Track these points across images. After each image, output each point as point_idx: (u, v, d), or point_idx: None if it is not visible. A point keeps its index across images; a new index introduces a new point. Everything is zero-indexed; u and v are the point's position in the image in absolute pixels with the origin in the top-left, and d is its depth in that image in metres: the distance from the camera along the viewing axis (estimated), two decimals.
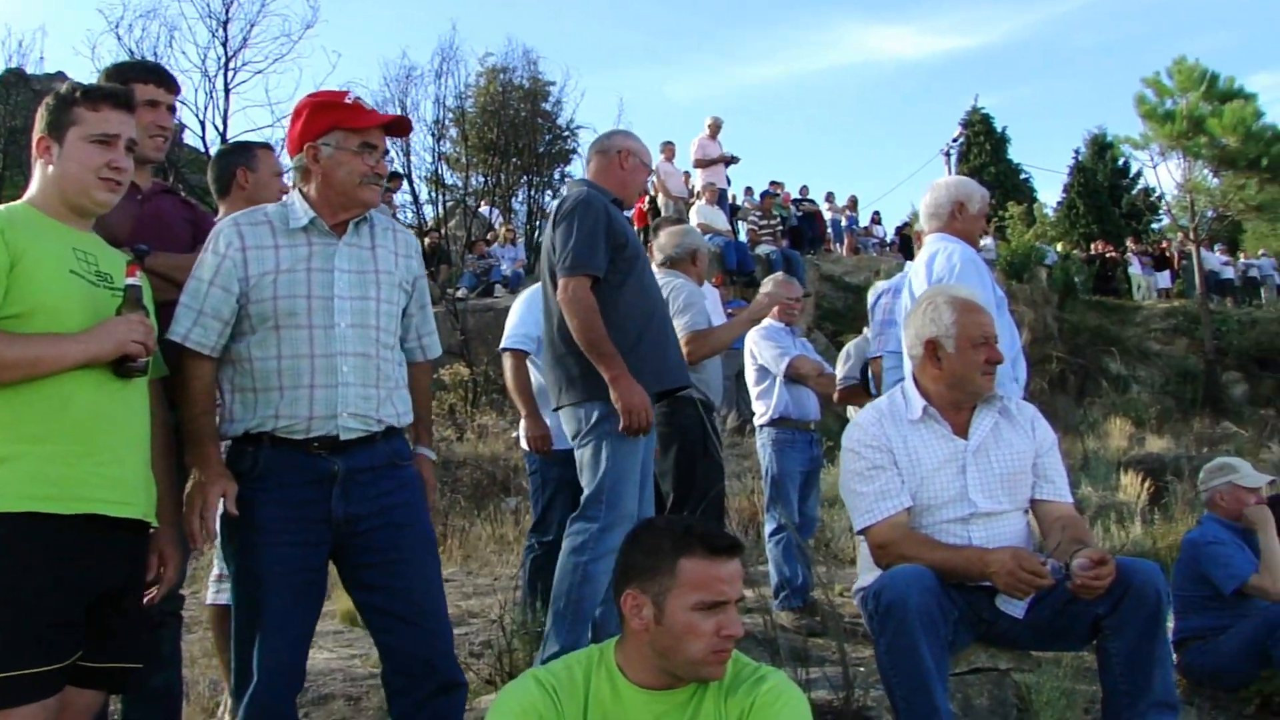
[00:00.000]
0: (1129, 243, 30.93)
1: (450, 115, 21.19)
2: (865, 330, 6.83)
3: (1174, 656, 5.30)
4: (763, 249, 19.11)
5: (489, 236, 19.80)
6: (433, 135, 20.68)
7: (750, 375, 6.83)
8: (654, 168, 20.30)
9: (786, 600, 6.41)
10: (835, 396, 6.62)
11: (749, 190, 22.62)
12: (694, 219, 17.16)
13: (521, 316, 5.79)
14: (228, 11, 17.09)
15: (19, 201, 2.94)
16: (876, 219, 27.75)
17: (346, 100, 3.33)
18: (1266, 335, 24.02)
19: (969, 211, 5.04)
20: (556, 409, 4.48)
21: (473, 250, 18.91)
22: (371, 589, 3.26)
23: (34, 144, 2.94)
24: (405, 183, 19.34)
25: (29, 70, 19.85)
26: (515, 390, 5.71)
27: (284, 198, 3.42)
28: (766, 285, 6.93)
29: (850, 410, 6.55)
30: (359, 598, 3.31)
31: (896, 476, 3.74)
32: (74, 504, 2.71)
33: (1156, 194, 36.11)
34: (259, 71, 16.93)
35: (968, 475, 3.75)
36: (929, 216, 5.08)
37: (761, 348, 6.67)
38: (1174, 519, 9.38)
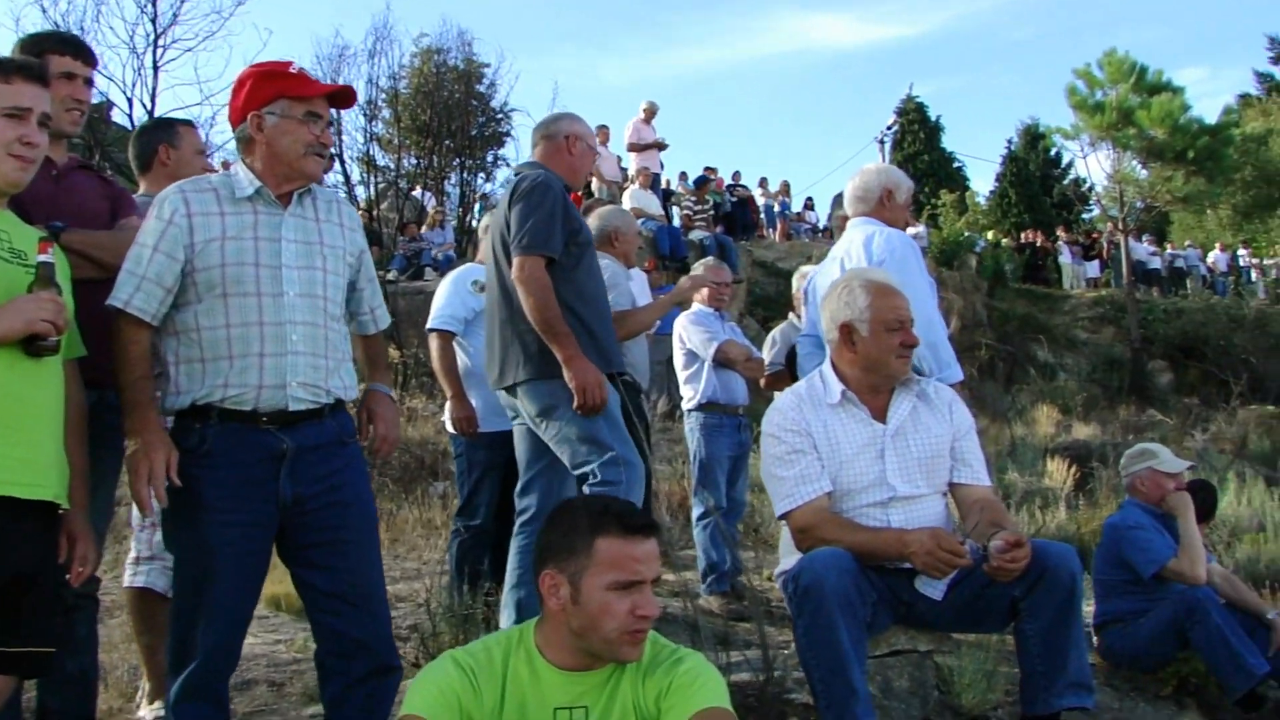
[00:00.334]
0: (1059, 232, 31.33)
1: (383, 96, 20.98)
2: (792, 316, 6.83)
3: (1094, 639, 5.40)
4: (696, 234, 19.13)
5: (421, 219, 19.65)
6: (365, 115, 20.41)
7: (679, 360, 6.81)
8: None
9: (713, 585, 6.41)
10: (763, 382, 6.62)
11: (683, 175, 22.63)
12: (627, 203, 17.13)
13: (448, 298, 5.73)
14: None
15: None
16: (810, 205, 27.88)
17: (291, 70, 3.29)
18: (1191, 325, 24.42)
19: (896, 200, 5.05)
20: (510, 386, 4.43)
21: (404, 233, 18.75)
22: (313, 568, 3.22)
23: None
24: (337, 163, 19.18)
25: None
26: (441, 371, 5.66)
27: (232, 169, 3.36)
28: (696, 269, 6.92)
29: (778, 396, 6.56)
30: (300, 575, 3.27)
31: (816, 461, 3.74)
32: None
33: (1087, 184, 36.64)
34: (189, 49, 16.55)
35: (886, 459, 3.76)
36: (857, 200, 5.08)
37: (690, 332, 6.66)
38: (1098, 505, 9.52)
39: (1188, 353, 23.76)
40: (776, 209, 25.91)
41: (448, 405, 5.64)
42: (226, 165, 5.74)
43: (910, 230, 23.49)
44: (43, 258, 2.83)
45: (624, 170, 20.22)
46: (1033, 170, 43.16)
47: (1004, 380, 20.45)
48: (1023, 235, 31.27)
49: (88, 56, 3.75)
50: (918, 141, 42.24)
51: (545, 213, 4.31)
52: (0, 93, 2.80)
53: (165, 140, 4.34)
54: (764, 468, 3.86)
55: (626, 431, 4.42)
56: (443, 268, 16.88)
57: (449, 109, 21.36)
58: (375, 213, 20.04)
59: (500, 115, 22.42)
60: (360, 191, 20.33)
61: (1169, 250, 31.26)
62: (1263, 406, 18.98)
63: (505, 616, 4.41)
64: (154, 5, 15.41)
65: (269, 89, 3.24)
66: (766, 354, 6.80)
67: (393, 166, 21.63)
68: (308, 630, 5.58)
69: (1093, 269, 29.28)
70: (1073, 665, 3.56)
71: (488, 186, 22.05)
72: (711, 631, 4.75)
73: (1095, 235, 31.67)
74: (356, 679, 3.18)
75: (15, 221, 2.93)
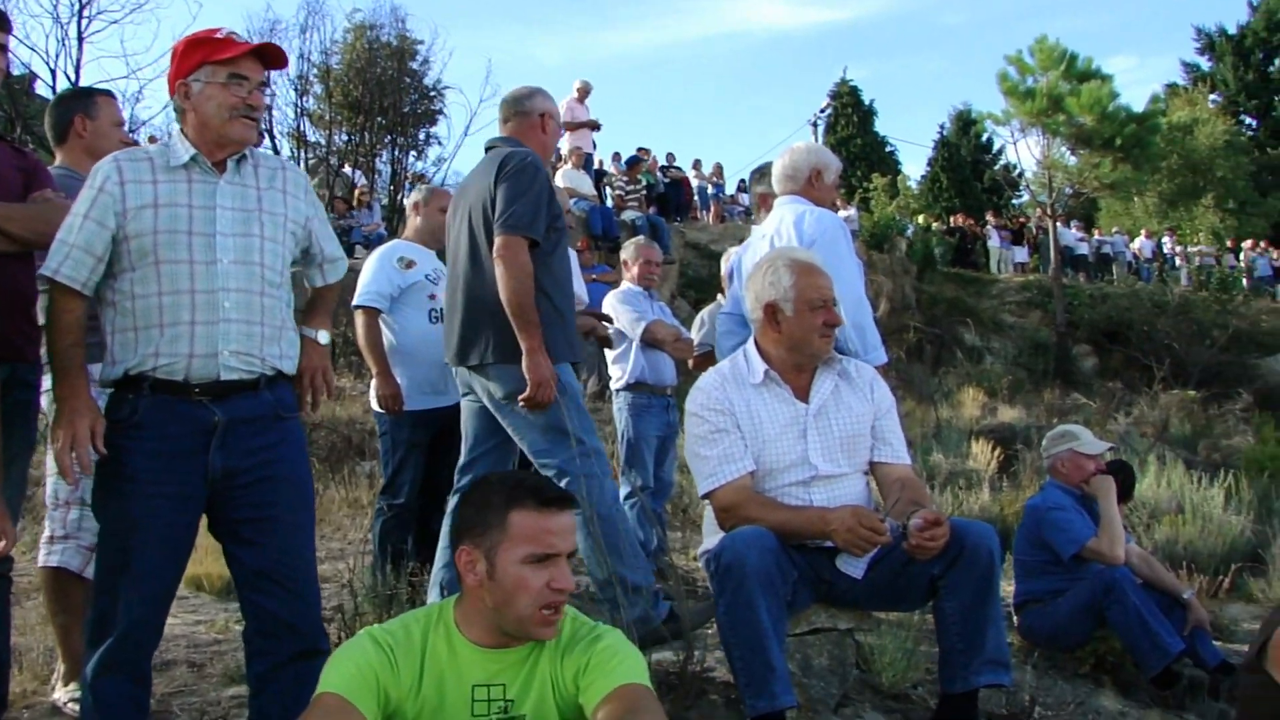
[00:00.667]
0: (988, 217, 31.65)
1: (315, 71, 20.70)
2: (721, 297, 6.83)
3: (1014, 618, 5.47)
4: (628, 215, 19.08)
5: (351, 196, 19.46)
6: (296, 91, 20.16)
7: None
8: None
9: None
10: (691, 363, 6.61)
11: (616, 156, 22.56)
12: (559, 183, 17.06)
13: (374, 274, 5.66)
14: None
15: None
16: (743, 187, 27.92)
17: (218, 35, 3.22)
18: (1116, 310, 24.77)
19: (824, 180, 5.04)
20: (477, 366, 4.37)
21: (333, 210, 18.56)
22: (243, 544, 3.18)
23: None
24: (267, 138, 18.90)
25: None
26: (367, 348, 5.59)
27: (171, 139, 3.29)
28: (627, 249, 6.89)
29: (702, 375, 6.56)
30: (230, 551, 3.23)
31: (739, 440, 3.74)
32: None
33: (1017, 170, 37.01)
34: (114, 21, 16.23)
35: (808, 439, 3.77)
36: (785, 178, 5.06)
37: (618, 312, 6.63)
38: (1021, 486, 9.63)
39: (1112, 338, 24.12)
40: (710, 191, 25.93)
41: (373, 383, 5.58)
42: (153, 140, 5.66)
43: (841, 213, 23.62)
44: None
45: (557, 150, 20.12)
46: (964, 155, 43.63)
47: (931, 363, 20.67)
48: (952, 220, 31.56)
49: (2, 22, 3.65)
50: (851, 125, 42.53)
51: (534, 195, 4.27)
52: None
53: (82, 111, 4.22)
54: (687, 447, 3.86)
55: (590, 419, 4.42)
56: (373, 245, 16.72)
57: (381, 85, 21.12)
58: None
59: (433, 93, 22.22)
60: None
61: (1096, 236, 31.72)
62: (1184, 391, 19.29)
63: (433, 594, 4.38)
64: None
65: (195, 56, 3.19)
66: (695, 334, 6.79)
67: (323, 143, 21.39)
68: (229, 611, 5.55)
69: (1021, 254, 29.63)
70: (990, 643, 3.59)
71: (419, 165, 21.88)
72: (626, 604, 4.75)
73: (1023, 220, 32.04)
74: (282, 660, 3.14)
75: None
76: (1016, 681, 4.59)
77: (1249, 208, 35.06)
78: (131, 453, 3.07)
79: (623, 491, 6.59)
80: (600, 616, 3.61)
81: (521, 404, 4.17)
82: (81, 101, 4.31)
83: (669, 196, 23.18)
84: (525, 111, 4.64)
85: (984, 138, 43.59)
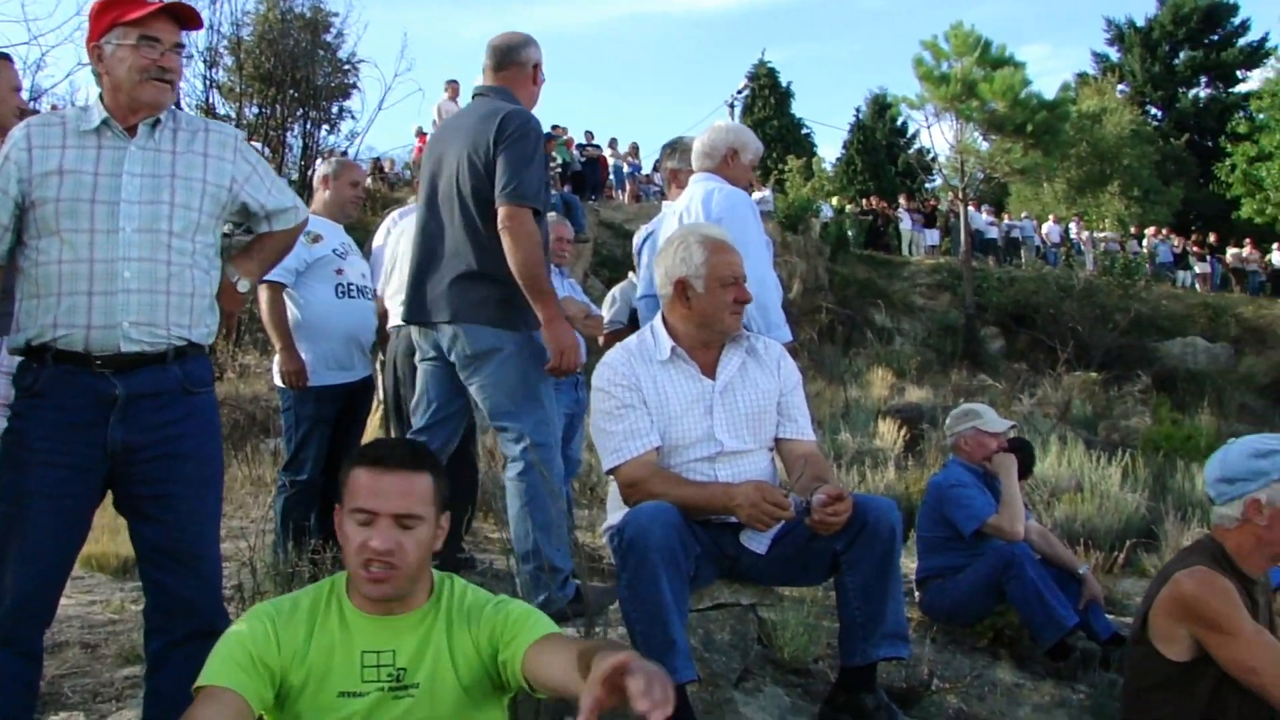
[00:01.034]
0: (901, 200, 32.00)
1: (225, 42, 20.31)
2: (631, 274, 6.83)
3: (916, 594, 5.56)
4: None
5: None
6: (206, 62, 19.75)
7: None
8: (438, 106, 20.15)
9: None
10: (602, 340, 6.61)
11: None
12: None
13: None
14: None
15: None
16: (659, 167, 27.90)
17: None
18: (1024, 293, 25.23)
19: (741, 160, 5.03)
20: (445, 322, 4.31)
21: None
22: (143, 520, 3.13)
23: None
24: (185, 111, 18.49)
25: None
26: (271, 323, 5.51)
27: (90, 103, 3.22)
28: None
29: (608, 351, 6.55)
30: (132, 526, 3.18)
31: (645, 416, 3.73)
32: None
33: (931, 155, 37.45)
34: None
35: (714, 415, 3.77)
36: (702, 155, 5.05)
37: None
38: (927, 465, 9.77)
39: (1019, 320, 24.56)
40: (626, 170, 25.92)
41: (276, 358, 5.51)
42: (54, 109, 5.51)
43: (756, 194, 23.67)
44: None
45: None
46: (879, 139, 44.09)
47: (842, 343, 20.84)
48: (865, 202, 31.86)
49: None
50: (768, 107, 42.76)
51: (538, 163, 4.22)
52: None
53: None
54: (593, 422, 3.84)
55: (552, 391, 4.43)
56: None
57: (293, 58, 20.75)
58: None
59: (347, 66, 21.89)
60: None
61: (1006, 221, 32.22)
62: (1086, 374, 19.71)
63: None
64: None
65: (106, 18, 3.12)
66: (606, 312, 6.78)
67: (233, 116, 21.00)
68: (124, 591, 5.46)
69: (932, 237, 30.03)
70: (890, 617, 3.63)
71: (331, 139, 21.57)
72: (542, 587, 4.75)
73: (935, 204, 32.44)
74: (177, 639, 3.10)
75: None
76: (916, 655, 4.68)
77: (1152, 196, 35.79)
78: (31, 422, 3.02)
79: None
80: (505, 592, 3.61)
81: (549, 372, 4.17)
82: None
83: (585, 175, 23.13)
84: (520, 62, 4.54)
85: (899, 122, 44.08)
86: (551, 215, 7.34)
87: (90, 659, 4.46)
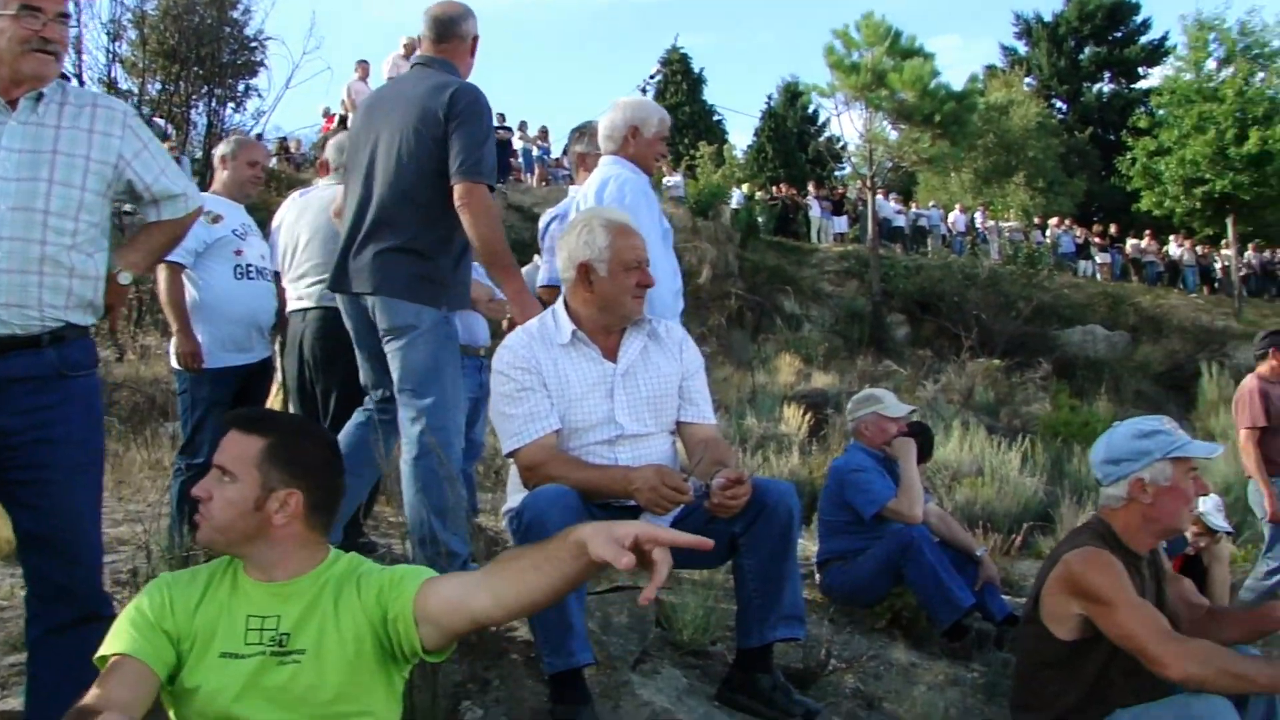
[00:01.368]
0: (810, 187, 32.24)
1: (129, 16, 19.87)
2: (536, 258, 6.80)
3: (816, 576, 5.63)
4: None
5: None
6: (109, 35, 19.34)
7: None
8: (348, 86, 19.90)
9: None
10: (505, 324, 6.58)
11: None
12: None
13: None
14: None
15: None
16: (568, 151, 27.84)
17: None
18: (929, 281, 25.55)
19: (644, 135, 4.96)
20: (363, 294, 4.25)
21: None
22: (19, 506, 3.05)
23: None
24: (76, 84, 18.05)
25: None
26: (168, 304, 5.41)
27: None
28: None
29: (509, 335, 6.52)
30: (9, 512, 3.11)
31: (545, 399, 3.72)
32: None
33: (840, 143, 37.76)
34: None
35: (615, 398, 3.78)
36: (605, 139, 5.00)
37: None
38: (830, 450, 9.88)
39: (925, 307, 24.86)
40: (535, 153, 25.84)
41: (173, 339, 5.42)
42: None
43: (667, 180, 23.62)
44: None
45: None
46: (790, 127, 44.35)
47: (751, 329, 20.98)
48: (775, 189, 32.06)
49: None
50: (680, 92, 42.80)
51: (491, 139, 4.18)
52: None
53: None
54: (492, 405, 3.82)
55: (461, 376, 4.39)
56: None
57: (199, 33, 20.36)
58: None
59: (254, 43, 21.53)
60: None
61: (913, 209, 32.60)
62: (989, 360, 20.03)
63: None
64: None
65: None
66: None
67: (136, 91, 20.57)
68: (15, 576, 5.32)
69: (841, 224, 30.27)
70: (786, 599, 3.69)
71: (237, 118, 21.22)
72: (438, 570, 4.73)
73: (843, 192, 32.73)
74: (57, 625, 3.04)
75: None
76: (815, 636, 4.74)
77: (1056, 187, 36.43)
78: None
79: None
80: None
81: (484, 352, 4.12)
82: None
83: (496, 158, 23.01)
84: (461, 35, 4.47)
85: (810, 110, 44.40)
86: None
87: None
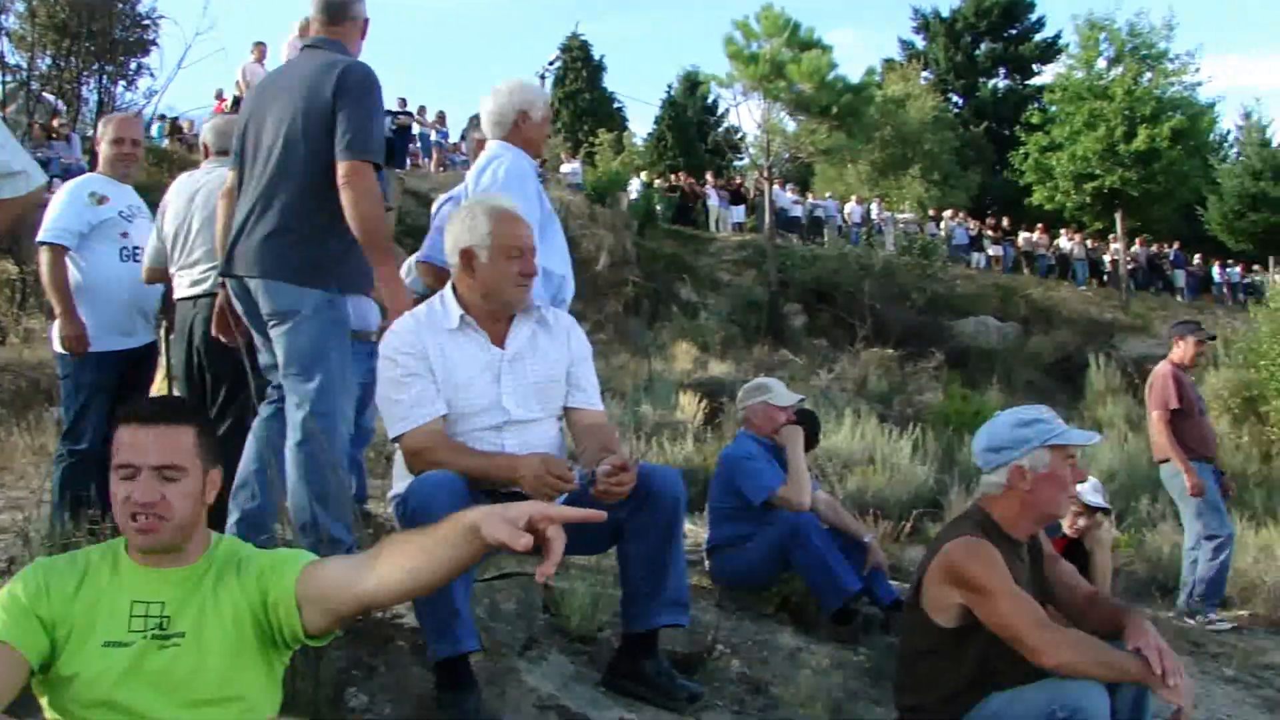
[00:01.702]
0: (708, 177, 32.39)
1: None
2: (408, 259, 6.75)
3: (706, 562, 5.66)
4: None
5: (52, 125, 18.30)
6: None
7: None
8: (243, 68, 19.56)
9: None
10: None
11: None
12: None
13: (63, 209, 5.35)
14: None
15: None
16: (466, 136, 27.68)
17: None
18: (826, 271, 25.83)
19: (532, 119, 4.94)
20: (248, 276, 4.14)
21: (31, 139, 17.41)
22: None
23: None
24: None
25: None
26: (51, 287, 5.28)
27: None
28: None
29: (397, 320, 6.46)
30: None
31: (432, 384, 3.70)
32: None
33: (739, 133, 37.98)
34: None
35: (503, 384, 3.77)
36: (493, 124, 4.96)
37: None
38: (724, 437, 9.94)
39: (821, 297, 25.13)
40: (433, 138, 25.64)
41: (56, 323, 5.29)
42: None
43: (565, 167, 23.57)
44: None
45: None
46: (690, 116, 44.48)
47: (648, 317, 21.02)
48: (673, 177, 32.16)
49: None
50: (580, 79, 42.76)
51: (380, 117, 4.12)
52: None
53: None
54: (379, 391, 3.79)
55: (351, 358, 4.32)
56: (75, 177, 15.79)
57: (90, 9, 19.82)
58: (3, 115, 18.50)
59: (146, 21, 21.02)
60: None
61: (810, 200, 32.90)
62: (883, 350, 20.34)
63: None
64: None
65: None
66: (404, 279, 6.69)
67: (24, 66, 20.00)
68: None
69: (738, 214, 30.46)
70: (671, 585, 3.72)
71: (129, 96, 20.72)
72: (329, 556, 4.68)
73: (740, 182, 32.93)
74: None
75: None
76: (703, 621, 4.78)
77: (951, 180, 36.93)
78: None
79: None
80: None
81: (376, 338, 4.06)
82: None
83: (394, 142, 22.80)
84: (353, 16, 4.39)
85: (710, 100, 44.57)
86: None
87: None
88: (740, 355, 18.38)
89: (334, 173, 4.02)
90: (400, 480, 3.77)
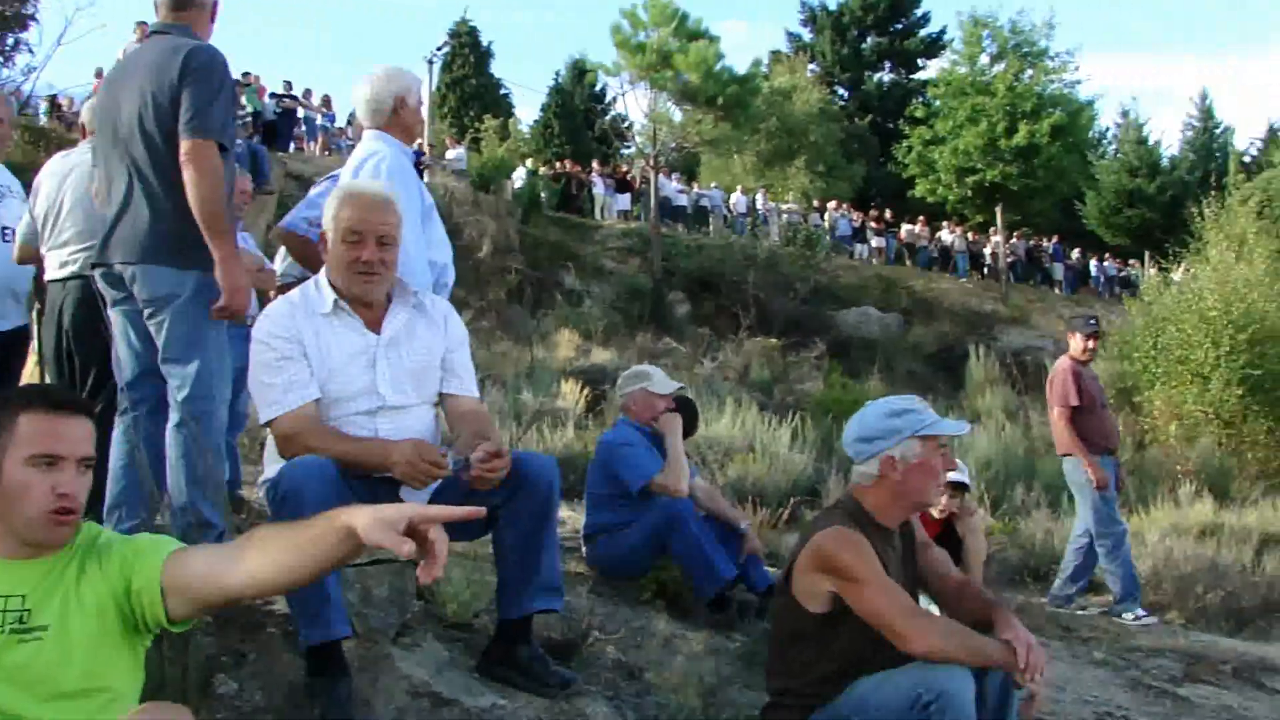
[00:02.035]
0: (594, 164, 32.39)
1: None
2: (282, 250, 6.63)
3: (584, 548, 5.68)
4: None
5: None
6: None
7: None
8: (124, 48, 19.00)
9: None
10: (273, 294, 6.42)
11: None
12: None
13: None
14: None
15: None
16: (353, 122, 27.38)
17: None
18: (710, 260, 26.01)
19: (409, 105, 4.88)
20: (121, 263, 4.06)
21: None
22: None
23: None
24: None
25: None
26: None
27: None
28: None
29: (271, 304, 6.37)
30: None
31: (305, 368, 3.66)
32: None
33: (626, 122, 38.03)
34: None
35: (378, 369, 3.74)
36: (371, 112, 4.89)
37: None
38: (606, 424, 9.97)
39: (705, 286, 25.29)
40: (319, 122, 25.32)
41: None
42: None
43: (450, 153, 23.36)
44: None
45: None
46: (577, 104, 44.44)
47: (531, 305, 20.95)
48: (559, 165, 32.11)
49: None
50: (467, 65, 42.48)
51: (224, 98, 4.01)
52: None
53: None
54: (251, 374, 3.74)
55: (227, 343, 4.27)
56: None
57: None
58: None
59: None
60: None
61: (696, 190, 33.09)
62: (766, 339, 20.53)
63: None
64: None
65: None
66: (279, 265, 6.58)
67: None
68: None
69: (624, 202, 30.49)
70: (545, 570, 3.74)
71: (5, 73, 20.08)
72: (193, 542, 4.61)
73: (626, 170, 32.98)
74: None
75: None
76: (579, 608, 4.80)
77: (836, 172, 37.45)
78: None
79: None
80: None
81: (216, 314, 3.98)
82: None
83: (279, 125, 22.45)
84: (200, 3, 4.31)
85: (597, 88, 44.55)
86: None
87: None
88: (623, 343, 18.39)
89: None
90: (271, 465, 3.72)
